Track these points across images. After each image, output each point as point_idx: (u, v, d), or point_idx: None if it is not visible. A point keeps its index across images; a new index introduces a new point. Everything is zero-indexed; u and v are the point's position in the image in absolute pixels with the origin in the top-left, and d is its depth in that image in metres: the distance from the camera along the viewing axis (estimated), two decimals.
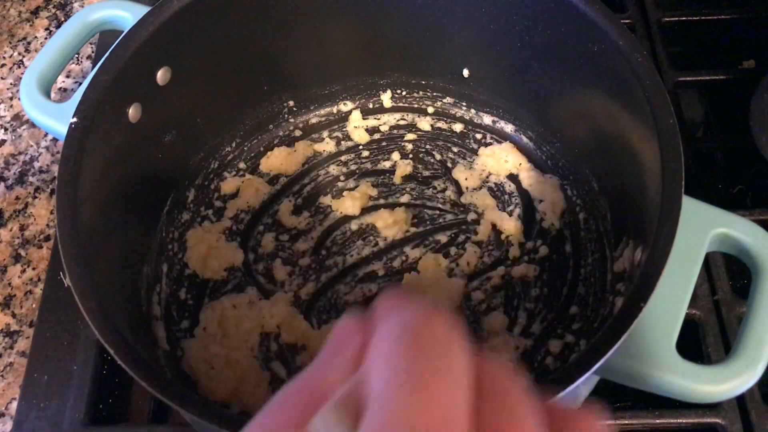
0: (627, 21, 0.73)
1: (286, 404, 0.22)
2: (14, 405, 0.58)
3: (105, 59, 0.51)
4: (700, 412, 0.52)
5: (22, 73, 0.63)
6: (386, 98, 0.69)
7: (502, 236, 0.61)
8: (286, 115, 0.68)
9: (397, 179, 0.65)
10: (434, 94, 0.68)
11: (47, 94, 0.56)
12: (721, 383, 0.42)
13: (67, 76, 0.76)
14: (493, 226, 0.61)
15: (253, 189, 0.64)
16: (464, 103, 0.68)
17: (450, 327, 0.22)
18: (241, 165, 0.66)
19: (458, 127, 0.67)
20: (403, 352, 0.20)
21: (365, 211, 0.63)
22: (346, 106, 0.69)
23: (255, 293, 0.59)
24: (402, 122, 0.68)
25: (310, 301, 0.59)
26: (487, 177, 0.64)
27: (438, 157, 0.66)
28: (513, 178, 0.64)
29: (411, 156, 0.66)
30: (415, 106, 0.69)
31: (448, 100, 0.68)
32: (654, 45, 0.72)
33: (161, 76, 0.55)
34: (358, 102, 0.69)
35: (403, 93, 0.69)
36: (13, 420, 0.56)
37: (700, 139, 0.69)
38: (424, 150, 0.66)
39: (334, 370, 0.23)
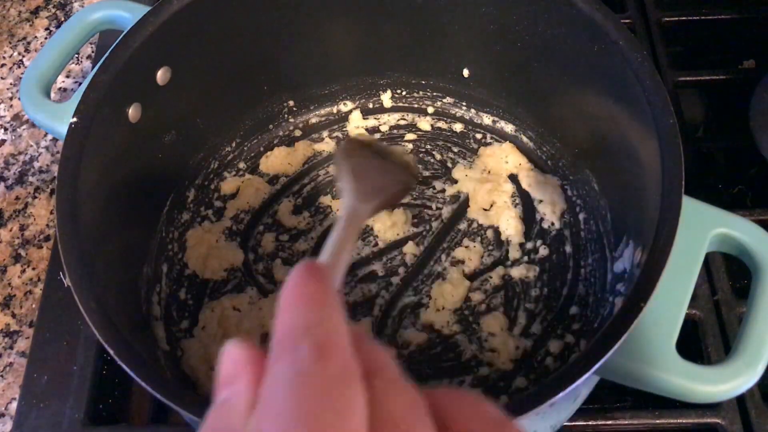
0: (627, 21, 0.73)
1: None
2: (14, 405, 0.58)
3: (105, 59, 0.51)
4: (700, 412, 0.52)
5: (22, 73, 0.63)
6: (386, 98, 0.69)
7: (502, 236, 0.61)
8: (286, 115, 0.68)
9: None
10: (434, 94, 0.68)
11: (47, 94, 0.56)
12: (721, 383, 0.42)
13: (67, 76, 0.76)
14: (493, 226, 0.61)
15: (253, 189, 0.64)
16: (464, 103, 0.68)
17: (345, 365, 0.21)
18: (241, 165, 0.66)
19: (458, 127, 0.67)
20: (294, 400, 0.20)
21: None
22: (346, 106, 0.69)
23: (255, 293, 0.59)
24: (402, 122, 0.68)
25: None
26: (487, 177, 0.64)
27: (438, 157, 0.66)
28: (513, 178, 0.64)
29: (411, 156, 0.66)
30: (415, 106, 0.69)
31: (448, 100, 0.68)
32: (654, 45, 0.72)
33: (161, 76, 0.55)
34: (358, 102, 0.69)
35: (403, 93, 0.69)
36: (12, 420, 0.56)
37: (700, 139, 0.69)
38: (424, 150, 0.66)
39: (231, 411, 0.22)
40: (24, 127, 0.74)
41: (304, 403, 0.20)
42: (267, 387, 0.21)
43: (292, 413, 0.20)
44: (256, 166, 0.66)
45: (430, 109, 0.68)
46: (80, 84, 0.71)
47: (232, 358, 0.23)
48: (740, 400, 0.53)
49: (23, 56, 0.78)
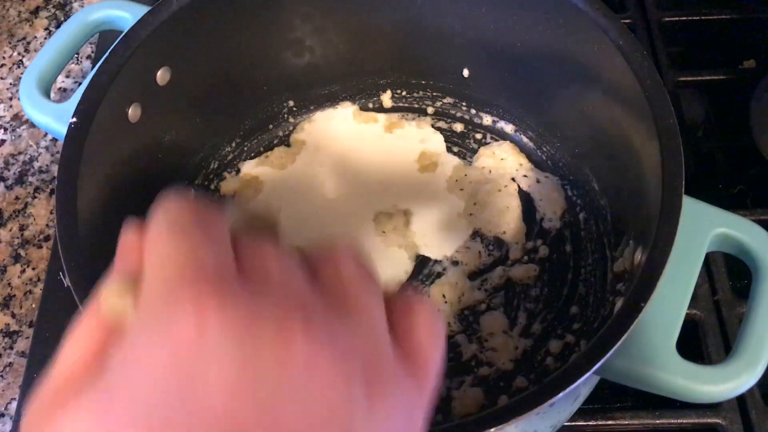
0: (627, 21, 0.73)
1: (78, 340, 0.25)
2: (14, 405, 0.58)
3: (105, 59, 0.51)
4: (701, 412, 0.52)
5: (22, 73, 0.63)
6: (386, 98, 0.69)
7: (503, 236, 0.61)
8: (286, 115, 0.68)
9: None
10: (434, 94, 0.68)
11: (47, 94, 0.56)
12: (721, 383, 0.42)
13: (67, 76, 0.76)
14: (493, 226, 0.61)
15: (252, 189, 0.64)
16: (464, 103, 0.67)
17: (209, 208, 0.25)
18: (241, 165, 0.66)
19: (458, 127, 0.67)
20: (165, 231, 0.25)
21: None
22: (346, 106, 0.69)
23: None
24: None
25: None
26: (488, 177, 0.64)
27: None
28: (513, 178, 0.64)
29: None
30: (415, 106, 0.69)
31: (448, 100, 0.68)
32: (654, 45, 0.72)
33: (161, 76, 0.55)
34: (358, 102, 0.69)
35: (403, 93, 0.69)
36: (12, 420, 0.56)
37: (700, 139, 0.69)
38: None
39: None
40: (24, 127, 0.74)
41: (171, 232, 0.25)
42: (145, 240, 0.26)
43: (160, 239, 0.25)
44: None
45: (430, 109, 0.68)
46: (80, 84, 0.71)
47: (122, 242, 0.27)
48: (740, 400, 0.53)
49: (23, 56, 0.78)
